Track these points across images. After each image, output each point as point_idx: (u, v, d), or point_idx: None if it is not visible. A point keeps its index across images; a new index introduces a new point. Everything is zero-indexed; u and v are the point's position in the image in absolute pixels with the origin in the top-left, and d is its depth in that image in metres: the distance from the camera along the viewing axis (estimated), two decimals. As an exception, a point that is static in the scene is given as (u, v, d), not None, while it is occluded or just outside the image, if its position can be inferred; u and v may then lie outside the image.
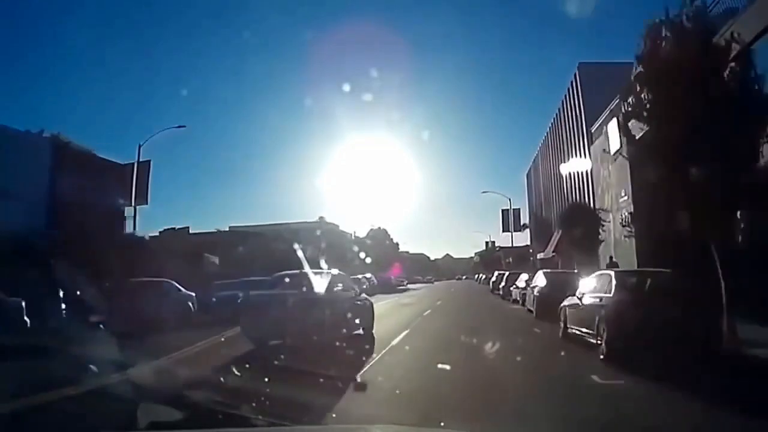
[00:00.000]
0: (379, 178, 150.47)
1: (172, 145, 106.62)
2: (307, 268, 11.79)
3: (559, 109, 50.32)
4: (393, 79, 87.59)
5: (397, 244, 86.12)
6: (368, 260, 54.36)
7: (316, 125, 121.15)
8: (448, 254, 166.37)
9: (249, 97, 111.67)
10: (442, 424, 5.30)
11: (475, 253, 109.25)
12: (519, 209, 49.63)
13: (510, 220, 46.61)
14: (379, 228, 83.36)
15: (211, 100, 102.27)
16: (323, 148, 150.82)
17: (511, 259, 67.78)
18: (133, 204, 27.52)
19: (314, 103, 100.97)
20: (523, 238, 65.67)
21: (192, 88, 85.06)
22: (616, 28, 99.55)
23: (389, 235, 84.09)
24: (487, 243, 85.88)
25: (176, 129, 29.35)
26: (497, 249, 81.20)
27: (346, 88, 77.99)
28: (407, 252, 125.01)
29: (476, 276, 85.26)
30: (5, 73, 49.83)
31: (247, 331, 10.89)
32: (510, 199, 48.35)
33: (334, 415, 5.44)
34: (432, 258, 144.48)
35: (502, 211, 47.21)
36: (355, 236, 71.47)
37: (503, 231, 47.13)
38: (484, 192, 49.06)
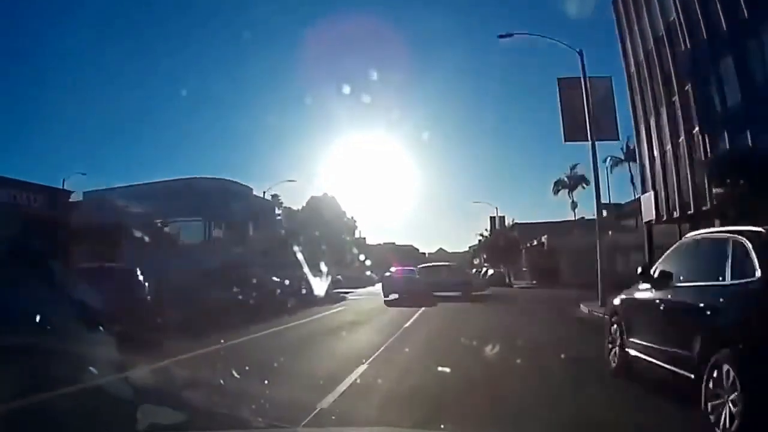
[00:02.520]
0: (370, 173, 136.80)
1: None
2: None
3: None
4: (384, 74, 69.96)
5: (354, 219, 57.24)
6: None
7: (306, 120, 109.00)
8: (441, 248, 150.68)
9: (247, 93, 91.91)
10: (442, 426, 4.80)
11: (470, 247, 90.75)
12: (609, 77, 18.18)
13: (586, 99, 15.18)
14: (326, 195, 54.84)
15: (209, 98, 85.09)
16: (317, 145, 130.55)
17: (545, 239, 38.91)
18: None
19: (307, 98, 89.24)
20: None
21: (190, 88, 73.40)
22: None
23: (342, 209, 55.27)
24: (492, 219, 56.47)
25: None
26: (509, 225, 51.89)
27: (340, 84, 66.98)
28: (393, 243, 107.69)
29: (477, 271, 54.95)
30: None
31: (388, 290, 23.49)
32: (581, 54, 16.69)
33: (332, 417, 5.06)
34: (424, 251, 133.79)
35: (561, 85, 16.47)
36: (266, 197, 43.94)
37: (567, 138, 16.39)
38: (502, 36, 18.39)
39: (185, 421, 4.39)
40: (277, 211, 53.03)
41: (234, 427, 4.53)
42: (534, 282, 40.21)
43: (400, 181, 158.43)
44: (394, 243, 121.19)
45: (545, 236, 39.24)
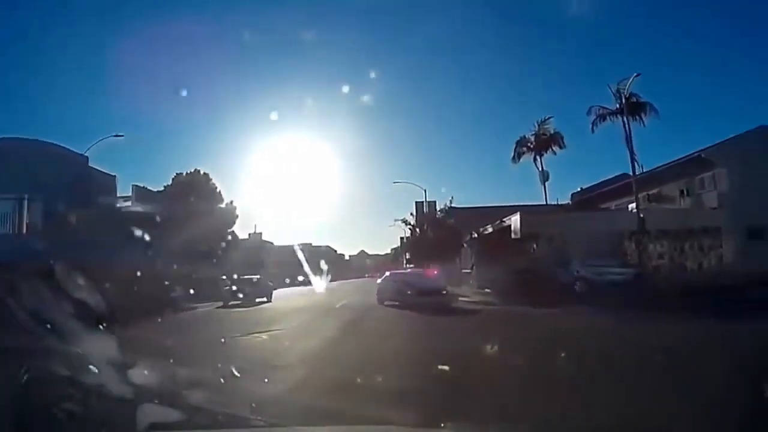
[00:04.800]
0: (282, 176, 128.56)
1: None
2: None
3: None
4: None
5: (234, 206, 40.70)
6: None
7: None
8: (362, 250, 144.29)
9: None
10: (442, 425, 4.90)
11: (392, 249, 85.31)
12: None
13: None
14: (197, 172, 38.47)
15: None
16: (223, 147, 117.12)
17: (516, 220, 24.60)
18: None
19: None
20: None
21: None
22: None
23: (217, 190, 38.69)
24: (418, 205, 41.67)
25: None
26: (443, 209, 37.32)
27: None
28: (309, 244, 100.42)
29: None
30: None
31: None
32: None
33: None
34: (343, 253, 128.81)
35: None
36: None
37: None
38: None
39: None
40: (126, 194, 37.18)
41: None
42: (487, 290, 25.60)
43: (318, 181, 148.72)
44: (310, 244, 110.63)
45: (516, 216, 24.50)
